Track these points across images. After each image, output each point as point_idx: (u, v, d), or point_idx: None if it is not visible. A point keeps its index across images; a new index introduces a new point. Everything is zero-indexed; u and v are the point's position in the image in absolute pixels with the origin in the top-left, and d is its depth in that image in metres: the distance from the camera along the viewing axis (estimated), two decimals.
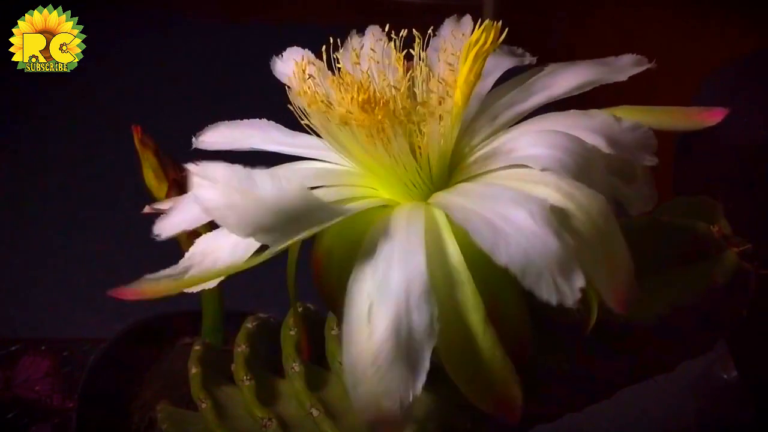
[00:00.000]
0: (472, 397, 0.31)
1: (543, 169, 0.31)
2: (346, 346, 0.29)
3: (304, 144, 0.41)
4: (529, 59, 0.43)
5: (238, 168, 0.30)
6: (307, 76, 0.38)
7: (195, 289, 0.35)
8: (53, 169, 1.51)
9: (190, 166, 0.31)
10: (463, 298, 0.31)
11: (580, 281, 0.27)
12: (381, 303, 0.29)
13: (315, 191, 0.37)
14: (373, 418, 0.28)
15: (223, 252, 0.35)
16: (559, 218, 0.28)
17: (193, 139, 0.43)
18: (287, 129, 0.42)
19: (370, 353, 0.28)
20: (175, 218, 0.37)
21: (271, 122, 0.43)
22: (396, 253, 0.30)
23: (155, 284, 0.34)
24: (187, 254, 0.36)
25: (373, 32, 0.42)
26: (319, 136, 0.38)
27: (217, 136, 0.43)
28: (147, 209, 0.38)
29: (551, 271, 0.26)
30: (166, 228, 0.37)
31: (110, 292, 0.35)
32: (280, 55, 0.45)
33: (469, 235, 0.28)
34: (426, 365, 0.28)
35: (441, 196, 0.34)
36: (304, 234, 0.31)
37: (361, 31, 0.43)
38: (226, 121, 0.44)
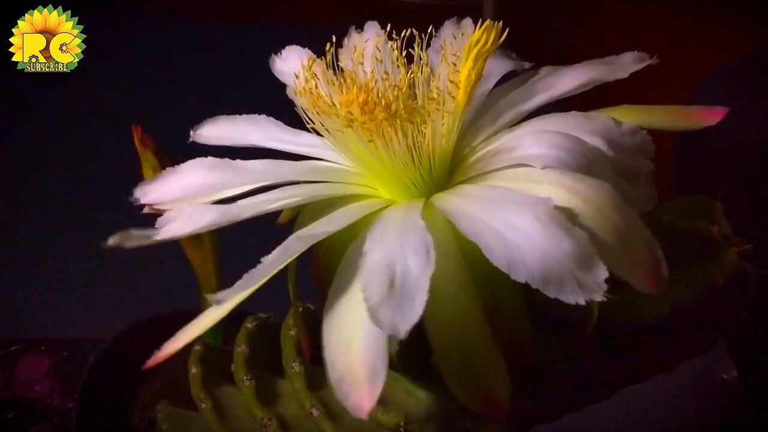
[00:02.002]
0: (460, 394, 0.31)
1: (544, 167, 0.31)
2: (332, 298, 0.29)
3: (304, 142, 0.41)
4: (527, 65, 0.43)
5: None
6: (310, 76, 0.38)
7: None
8: (53, 169, 1.52)
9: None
10: (461, 299, 0.31)
11: (603, 273, 0.26)
12: (374, 248, 0.28)
13: (318, 186, 0.37)
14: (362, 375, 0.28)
15: (213, 212, 0.34)
16: (566, 214, 0.28)
17: (191, 132, 0.43)
18: (287, 126, 0.42)
19: (363, 288, 0.27)
20: (159, 188, 0.37)
21: (271, 118, 0.42)
22: (395, 221, 0.31)
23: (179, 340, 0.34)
24: (175, 209, 0.35)
25: (373, 31, 0.42)
26: (319, 134, 0.38)
27: (214, 130, 0.43)
28: (147, 210, 0.38)
29: (571, 271, 0.26)
30: (148, 195, 0.37)
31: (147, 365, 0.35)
32: (279, 54, 0.45)
33: (482, 251, 0.28)
34: (424, 297, 0.26)
35: (442, 198, 0.34)
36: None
37: (361, 30, 0.43)
38: (225, 115, 0.43)
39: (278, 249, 0.31)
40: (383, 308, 0.26)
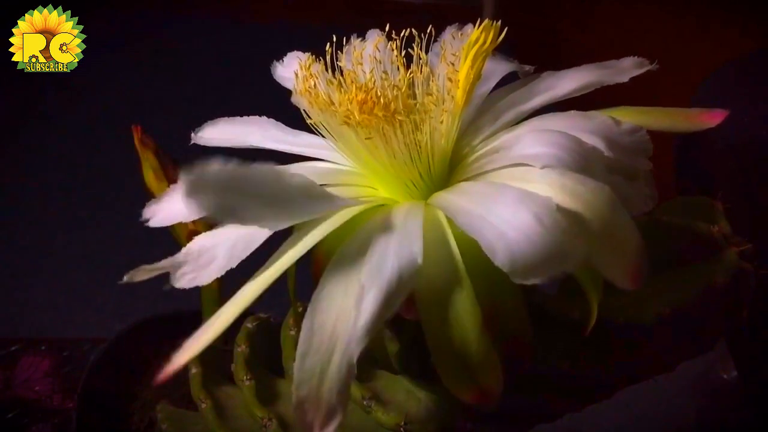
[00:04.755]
0: (451, 384, 0.31)
1: (543, 167, 0.31)
2: (320, 331, 0.29)
3: (305, 143, 0.41)
4: (528, 67, 0.43)
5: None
6: (310, 75, 0.38)
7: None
8: (53, 169, 1.52)
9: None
10: (458, 297, 0.31)
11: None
12: (371, 288, 0.28)
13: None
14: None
15: (220, 250, 0.34)
16: (566, 217, 0.28)
17: (192, 135, 0.43)
18: (288, 127, 0.42)
19: (354, 339, 0.28)
20: (167, 207, 0.37)
21: (271, 120, 0.43)
22: (393, 241, 0.30)
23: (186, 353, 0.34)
24: (183, 250, 0.35)
25: (375, 35, 0.42)
26: (321, 135, 0.39)
27: (215, 132, 0.43)
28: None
29: (562, 271, 0.27)
30: (157, 215, 0.37)
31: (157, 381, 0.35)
32: (281, 60, 0.45)
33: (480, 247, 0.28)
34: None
35: (441, 196, 0.34)
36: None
37: (361, 32, 0.43)
38: (225, 117, 0.43)
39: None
40: None
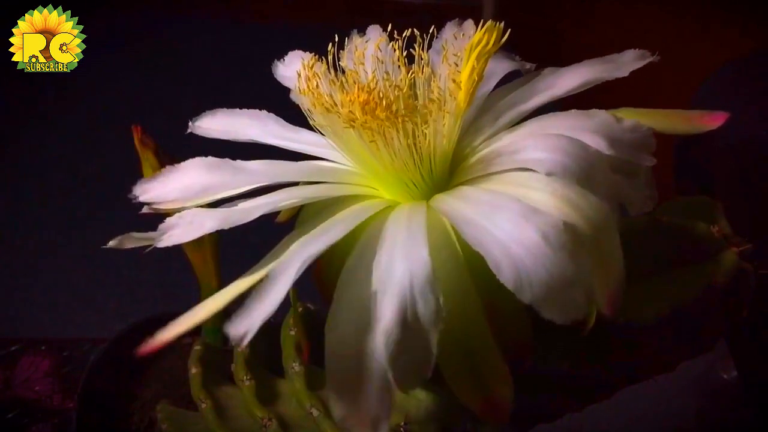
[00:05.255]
0: (463, 396, 0.31)
1: (548, 174, 0.31)
2: (344, 338, 0.29)
3: (305, 140, 0.41)
4: (529, 65, 0.43)
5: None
6: (312, 76, 0.38)
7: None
8: (53, 169, 1.52)
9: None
10: (462, 300, 0.31)
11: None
12: (385, 293, 0.29)
13: (318, 186, 0.37)
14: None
15: (212, 218, 0.34)
16: (572, 236, 0.28)
17: (190, 123, 0.43)
18: (288, 124, 0.42)
19: (379, 342, 0.28)
20: (159, 187, 0.37)
21: (272, 114, 0.42)
22: (398, 245, 0.30)
23: (173, 329, 0.34)
24: (176, 215, 0.35)
25: (375, 33, 0.42)
26: (321, 133, 0.38)
27: (214, 123, 0.43)
28: (146, 209, 0.38)
29: (571, 298, 0.27)
30: (147, 193, 0.37)
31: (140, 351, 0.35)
32: (282, 59, 0.45)
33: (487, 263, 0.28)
34: (434, 351, 0.28)
35: (443, 200, 0.34)
36: None
37: (362, 32, 0.43)
38: (225, 109, 0.43)
39: (285, 272, 0.31)
40: (398, 364, 0.28)
